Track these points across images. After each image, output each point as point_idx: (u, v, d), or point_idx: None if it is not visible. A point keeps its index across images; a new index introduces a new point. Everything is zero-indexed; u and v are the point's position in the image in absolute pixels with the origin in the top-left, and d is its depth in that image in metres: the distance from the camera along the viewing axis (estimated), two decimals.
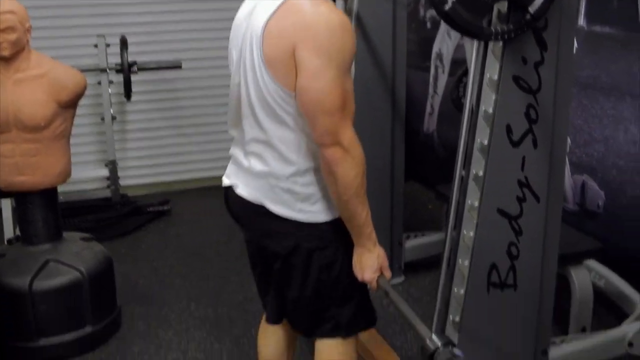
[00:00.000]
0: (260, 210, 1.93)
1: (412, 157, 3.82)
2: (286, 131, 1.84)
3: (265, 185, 1.91)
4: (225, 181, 2.06)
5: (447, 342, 1.52)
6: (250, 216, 2.00)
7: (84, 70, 3.07)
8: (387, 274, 1.97)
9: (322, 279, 1.98)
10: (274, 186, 1.89)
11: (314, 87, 1.73)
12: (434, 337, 1.54)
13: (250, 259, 2.20)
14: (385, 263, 1.96)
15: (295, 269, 1.97)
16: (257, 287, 2.25)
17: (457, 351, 1.49)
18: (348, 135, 1.76)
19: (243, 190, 1.97)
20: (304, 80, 1.74)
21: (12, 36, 2.77)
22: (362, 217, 1.85)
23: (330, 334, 2.07)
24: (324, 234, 1.95)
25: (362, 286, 2.07)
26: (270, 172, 1.88)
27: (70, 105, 2.95)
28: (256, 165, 1.91)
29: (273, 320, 2.19)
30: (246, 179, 1.96)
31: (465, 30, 1.87)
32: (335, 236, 1.96)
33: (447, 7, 1.75)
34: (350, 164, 1.77)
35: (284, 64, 1.76)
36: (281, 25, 1.76)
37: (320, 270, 1.97)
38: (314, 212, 1.92)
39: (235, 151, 2.03)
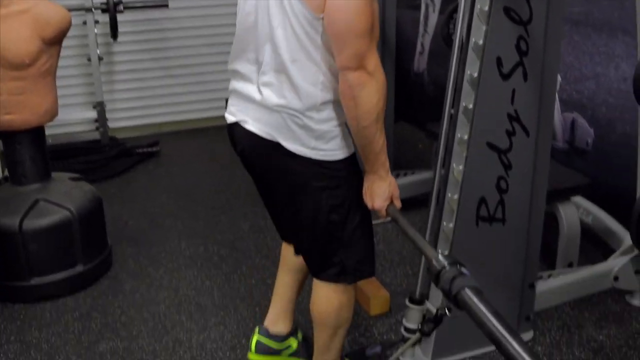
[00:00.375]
0: (271, 147, 1.90)
1: (402, 97, 3.80)
2: (307, 61, 1.80)
3: (279, 120, 1.87)
4: (230, 118, 2.00)
5: (454, 262, 1.55)
6: (260, 153, 1.95)
7: (69, 10, 3.00)
8: (398, 203, 1.97)
9: (332, 220, 1.97)
10: (288, 121, 1.85)
11: (345, 7, 1.71)
12: (440, 257, 1.56)
13: (260, 194, 2.20)
14: (397, 192, 1.97)
15: (305, 208, 1.97)
16: (270, 215, 2.27)
17: (464, 270, 1.52)
18: (374, 59, 1.74)
19: (253, 126, 1.92)
20: (334, 1, 1.71)
21: None
22: (379, 143, 1.85)
23: (335, 279, 2.08)
24: (336, 173, 1.94)
25: (370, 232, 2.09)
26: (287, 104, 1.84)
27: (55, 41, 2.89)
28: (271, 97, 1.86)
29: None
30: (257, 114, 1.91)
31: None
32: (347, 176, 1.96)
33: None
34: (374, 88, 1.75)
35: None
36: None
37: (330, 209, 1.96)
38: (328, 150, 1.90)
39: (242, 85, 1.96)
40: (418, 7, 4.50)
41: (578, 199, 3.20)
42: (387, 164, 1.92)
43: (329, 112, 1.86)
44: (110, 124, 4.86)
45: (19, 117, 2.91)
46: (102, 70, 4.78)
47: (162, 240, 3.50)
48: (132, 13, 4.68)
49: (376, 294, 2.83)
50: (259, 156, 1.98)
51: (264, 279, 3.11)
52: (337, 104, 1.85)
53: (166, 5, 4.65)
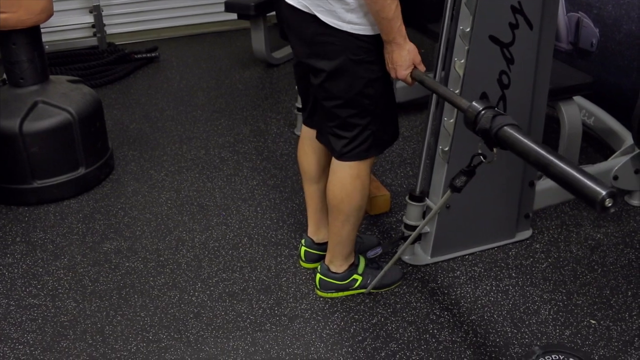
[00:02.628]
0: (310, 20, 1.96)
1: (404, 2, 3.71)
2: None
3: None
4: None
5: (489, 105, 1.57)
6: (300, 26, 2.02)
7: None
8: (421, 67, 1.99)
9: (367, 93, 2.02)
10: None
11: None
12: (475, 103, 1.59)
13: (295, 74, 2.27)
14: (418, 57, 1.98)
15: (342, 82, 2.00)
16: (301, 100, 2.35)
17: (500, 111, 1.55)
18: None
19: (293, 0, 1.99)
20: None
21: None
22: (391, 8, 1.84)
23: (365, 154, 2.13)
24: (372, 47, 1.97)
25: (394, 100, 2.16)
26: None
27: None
28: None
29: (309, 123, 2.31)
30: None
31: None
32: (382, 52, 1.97)
33: None
34: None
35: None
36: None
37: (367, 83, 2.01)
38: (363, 25, 1.93)
39: None
40: None
41: (581, 100, 3.18)
42: (404, 30, 1.92)
43: None
44: (108, 30, 4.78)
45: (14, 15, 2.85)
46: None
47: (164, 143, 3.50)
48: None
49: (377, 194, 2.84)
50: (298, 29, 2.05)
51: (265, 180, 3.12)
52: None
53: None
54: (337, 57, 1.97)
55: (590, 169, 2.82)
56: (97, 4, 4.65)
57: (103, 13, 4.71)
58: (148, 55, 4.54)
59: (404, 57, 1.93)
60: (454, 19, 2.22)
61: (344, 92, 2.02)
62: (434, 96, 2.33)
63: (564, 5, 3.37)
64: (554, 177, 1.38)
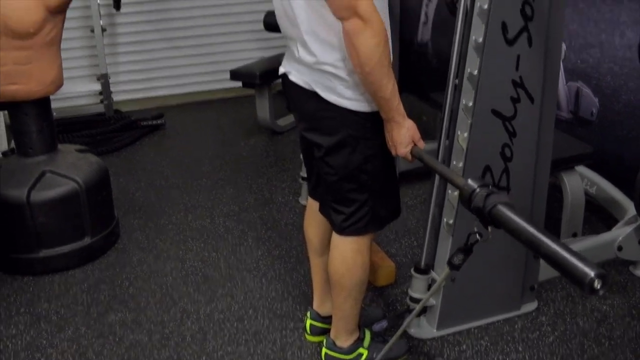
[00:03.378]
0: (311, 95, 1.99)
1: (406, 68, 3.78)
2: (324, 15, 1.83)
3: (315, 75, 1.95)
4: (281, 69, 2.13)
5: (484, 184, 1.58)
6: (302, 101, 2.05)
7: None
8: (421, 144, 2.00)
9: (365, 169, 2.04)
10: (323, 74, 1.93)
11: None
12: (470, 181, 1.60)
13: (300, 144, 2.32)
14: (417, 135, 1.99)
15: (341, 157, 2.02)
16: (306, 171, 2.38)
17: (495, 189, 1.55)
18: (364, 5, 1.73)
19: (295, 77, 2.03)
20: None
21: None
22: (388, 88, 1.85)
23: (364, 230, 2.13)
24: (371, 124, 1.99)
25: (394, 175, 2.17)
26: (318, 60, 1.91)
27: (59, 10, 2.88)
28: (304, 56, 1.95)
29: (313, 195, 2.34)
30: (298, 67, 2.02)
31: None
32: (382, 127, 1.99)
33: None
34: (369, 33, 1.75)
35: None
36: None
37: (365, 159, 2.02)
38: (362, 102, 1.95)
39: (288, 41, 2.06)
40: None
41: (582, 169, 3.20)
42: (401, 108, 1.94)
43: None
44: (115, 97, 4.87)
45: (25, 87, 2.91)
46: (106, 42, 4.77)
47: (169, 212, 3.52)
48: None
49: (382, 265, 2.84)
50: (301, 105, 2.08)
51: (270, 250, 3.13)
52: None
53: None
54: (337, 133, 1.99)
55: (594, 239, 2.82)
56: (105, 72, 4.74)
57: (110, 80, 4.80)
58: (154, 122, 4.61)
59: (403, 135, 1.95)
60: (457, 92, 2.26)
61: (343, 167, 2.04)
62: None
63: (563, 76, 3.43)
64: (545, 257, 1.38)
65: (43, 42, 2.86)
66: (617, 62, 3.13)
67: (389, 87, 1.85)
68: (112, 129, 4.50)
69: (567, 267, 1.32)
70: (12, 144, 3.16)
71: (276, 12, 2.04)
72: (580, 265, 1.30)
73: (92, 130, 4.45)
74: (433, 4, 4.34)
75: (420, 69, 4.39)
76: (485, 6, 2.08)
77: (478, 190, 1.58)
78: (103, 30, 4.66)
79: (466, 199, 1.61)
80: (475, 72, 2.14)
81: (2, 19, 2.75)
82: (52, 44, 2.91)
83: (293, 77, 2.04)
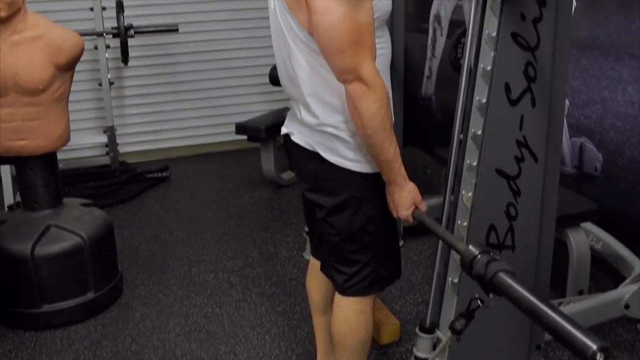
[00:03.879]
0: (313, 156, 1.99)
1: (410, 122, 3.81)
2: (326, 77, 1.85)
3: (317, 136, 1.96)
4: (283, 130, 2.13)
5: (485, 250, 1.57)
6: (304, 162, 2.05)
7: (81, 35, 3.03)
8: (422, 206, 2.01)
9: (367, 230, 2.03)
10: (325, 136, 1.93)
11: (322, 24, 1.73)
12: (471, 247, 1.60)
13: (303, 204, 2.30)
14: (418, 197, 2.00)
15: (343, 218, 2.02)
16: (308, 230, 2.37)
17: (495, 256, 1.54)
18: (367, 69, 1.75)
19: (297, 138, 2.03)
20: (313, 18, 1.74)
21: None
22: (389, 152, 1.86)
23: (366, 290, 2.12)
24: (373, 185, 1.98)
25: (396, 235, 2.18)
26: (320, 122, 1.92)
27: (68, 67, 2.92)
28: (306, 117, 1.95)
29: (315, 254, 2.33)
30: (300, 128, 2.02)
31: None
32: (384, 188, 1.99)
33: None
34: (372, 97, 1.76)
35: (300, 5, 1.77)
36: None
37: (367, 220, 2.02)
38: (365, 163, 1.95)
39: (291, 102, 2.09)
40: (426, 31, 4.53)
41: (588, 225, 3.19)
42: (403, 171, 1.94)
43: None
44: (121, 149, 4.90)
45: (32, 142, 2.93)
46: (113, 94, 4.83)
47: (173, 266, 3.51)
48: (143, 38, 4.73)
49: (386, 322, 2.82)
50: (303, 166, 2.08)
51: (274, 306, 3.11)
52: None
53: (176, 30, 4.70)
54: (339, 194, 1.99)
55: (601, 297, 2.80)
56: (112, 124, 4.78)
57: (117, 132, 4.84)
58: (159, 175, 4.63)
59: (404, 197, 1.95)
60: (461, 151, 2.26)
61: (345, 228, 2.03)
62: (444, 224, 2.34)
63: (566, 131, 3.45)
64: (546, 327, 1.36)
65: (51, 98, 2.89)
66: (620, 118, 3.15)
67: (391, 150, 1.86)
68: (117, 181, 4.52)
69: (569, 339, 1.31)
70: (18, 197, 3.17)
71: (278, 72, 2.06)
72: (582, 337, 1.28)
73: (98, 182, 4.48)
74: (437, 59, 4.40)
75: (425, 123, 4.43)
76: (489, 67, 2.09)
77: (479, 256, 1.58)
78: (111, 83, 4.72)
79: (467, 265, 1.61)
80: (479, 132, 2.15)
81: (12, 75, 2.79)
82: (60, 100, 2.94)
83: (295, 138, 2.04)
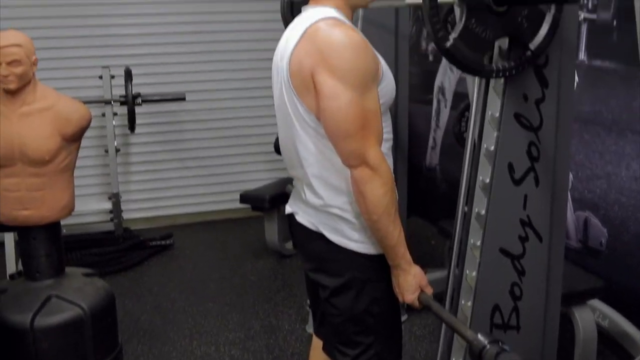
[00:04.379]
0: (317, 237, 1.97)
1: (414, 192, 3.82)
2: (332, 159, 1.86)
3: (322, 215, 1.95)
4: (287, 209, 2.13)
5: (494, 340, 1.55)
6: (308, 242, 2.04)
7: (88, 102, 3.06)
8: (429, 290, 1.98)
9: (371, 312, 1.99)
10: (330, 217, 1.93)
11: (329, 108, 1.76)
12: (480, 337, 1.60)
13: (306, 282, 2.26)
14: (424, 280, 1.97)
15: (346, 299, 1.99)
16: (311, 309, 2.35)
17: (505, 347, 1.52)
18: (373, 154, 1.76)
19: (302, 218, 2.03)
20: (320, 102, 1.77)
21: (19, 69, 2.75)
22: (394, 236, 1.86)
23: None
24: (378, 266, 1.96)
25: (399, 319, 2.13)
26: (325, 203, 1.92)
27: (75, 138, 2.94)
28: (311, 198, 1.96)
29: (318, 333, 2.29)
30: (304, 208, 2.02)
31: (467, 67, 1.88)
32: (389, 270, 1.97)
33: (449, 44, 1.76)
34: (378, 182, 1.77)
35: (308, 89, 1.79)
36: (302, 52, 1.79)
37: (372, 302, 1.98)
38: (369, 244, 1.94)
39: (295, 182, 2.09)
40: (430, 102, 4.58)
41: (594, 302, 3.16)
42: (408, 255, 1.93)
43: None
44: (125, 215, 4.90)
45: (37, 212, 2.93)
46: (119, 161, 4.86)
47: (174, 338, 3.47)
48: (150, 105, 4.79)
49: None
50: (307, 246, 2.06)
51: None
52: None
53: (183, 99, 4.76)
54: (343, 275, 1.97)
55: None
56: (117, 191, 4.79)
57: (121, 199, 4.85)
58: (162, 242, 4.63)
59: (409, 281, 1.93)
60: (465, 227, 2.26)
61: (349, 309, 2.00)
62: (448, 301, 2.32)
63: (571, 205, 3.45)
64: None
65: (57, 169, 2.90)
66: (624, 193, 3.16)
67: (395, 234, 1.86)
68: (120, 248, 4.51)
69: None
70: (20, 266, 3.15)
71: (282, 152, 2.07)
72: None
73: (101, 249, 4.47)
74: (441, 130, 4.44)
75: (429, 193, 4.44)
76: (492, 147, 2.11)
77: (488, 347, 1.56)
78: (117, 150, 4.75)
79: (476, 355, 1.59)
80: (483, 212, 2.15)
81: (20, 146, 2.81)
82: (65, 170, 2.95)
83: (300, 218, 2.04)
